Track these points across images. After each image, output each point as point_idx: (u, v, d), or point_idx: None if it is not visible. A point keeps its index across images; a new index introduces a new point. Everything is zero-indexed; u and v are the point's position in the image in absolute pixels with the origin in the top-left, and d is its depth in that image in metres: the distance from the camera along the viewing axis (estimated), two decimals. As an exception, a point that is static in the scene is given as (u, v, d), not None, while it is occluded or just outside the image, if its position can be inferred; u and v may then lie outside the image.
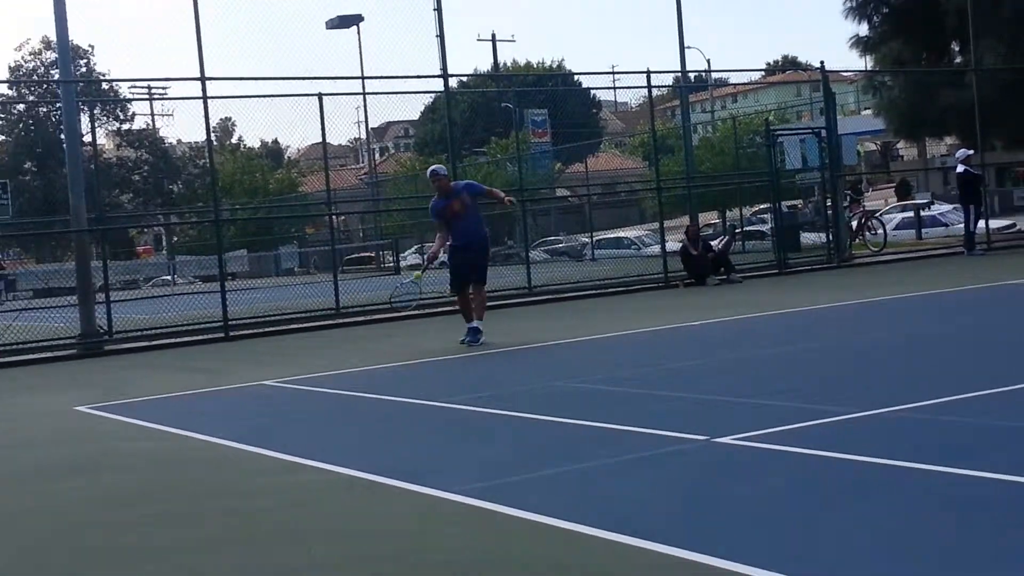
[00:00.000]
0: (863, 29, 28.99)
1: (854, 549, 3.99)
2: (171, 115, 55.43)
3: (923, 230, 28.76)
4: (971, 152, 22.33)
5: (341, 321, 17.18)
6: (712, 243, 20.78)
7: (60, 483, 6.58)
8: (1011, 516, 4.22)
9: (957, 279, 15.83)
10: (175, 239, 44.66)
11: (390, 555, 4.47)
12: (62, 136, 21.23)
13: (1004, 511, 4.31)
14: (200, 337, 16.02)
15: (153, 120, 56.82)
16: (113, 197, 46.56)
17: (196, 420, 8.60)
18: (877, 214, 26.86)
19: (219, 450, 7.18)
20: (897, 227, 29.75)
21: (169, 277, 37.15)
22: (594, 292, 19.40)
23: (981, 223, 22.34)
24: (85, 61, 51.68)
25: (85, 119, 22.41)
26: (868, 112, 40.58)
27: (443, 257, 12.96)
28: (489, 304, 17.91)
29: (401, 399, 8.81)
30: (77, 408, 9.66)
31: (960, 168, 21.57)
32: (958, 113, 25.16)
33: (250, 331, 16.45)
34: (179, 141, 56.25)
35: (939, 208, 30.76)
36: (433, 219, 12.71)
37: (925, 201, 32.02)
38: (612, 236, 35.76)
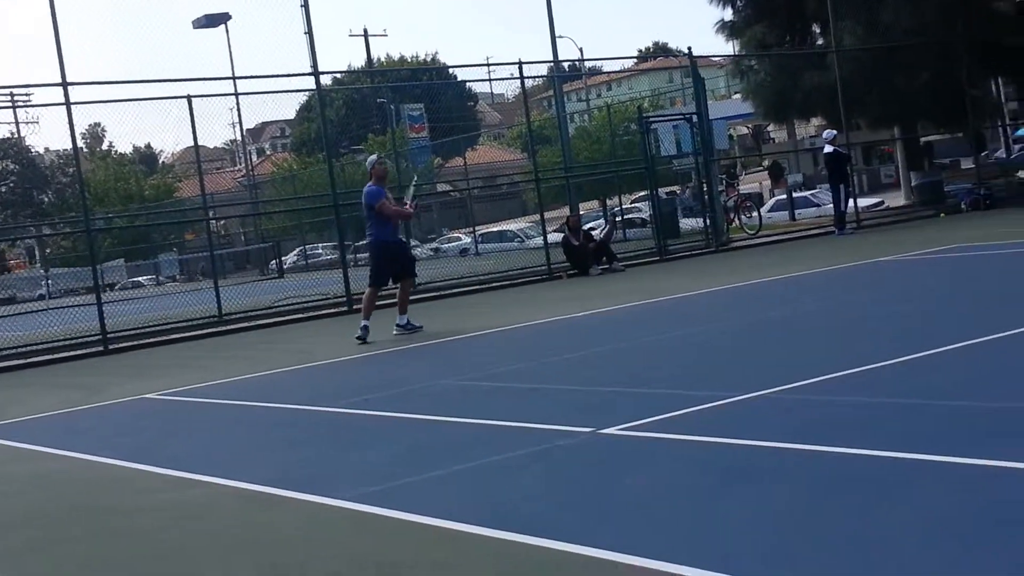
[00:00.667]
0: (728, 14, 29.56)
1: (745, 534, 4.08)
2: (36, 123, 53.87)
3: (796, 211, 29.51)
4: (836, 133, 22.94)
5: (224, 328, 16.94)
6: (593, 232, 21.00)
7: (-64, 513, 6.38)
8: (894, 492, 4.38)
9: (829, 259, 16.28)
10: (48, 251, 43.45)
11: (277, 566, 4.45)
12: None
13: (888, 488, 4.46)
14: (78, 352, 15.65)
15: (18, 128, 55.20)
16: (-22, 210, 45.13)
17: (77, 439, 8.41)
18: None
19: (102, 469, 7.04)
20: (771, 209, 30.48)
21: (43, 291, 36.14)
22: (479, 287, 19.46)
23: (851, 202, 22.98)
24: (-58, 71, 49.99)
25: (-56, 130, 21.61)
26: (738, 96, 41.32)
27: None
28: (377, 303, 17.91)
29: (288, 405, 8.73)
30: (-49, 433, 9.36)
31: (828, 148, 22.15)
32: (822, 94, 25.80)
33: (131, 343, 16.12)
34: (47, 149, 54.74)
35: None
36: (371, 203, 12.61)
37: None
38: (495, 230, 35.90)
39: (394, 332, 12.64)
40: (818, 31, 29.51)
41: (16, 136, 54.20)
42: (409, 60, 69.01)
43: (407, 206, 13.58)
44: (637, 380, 7.87)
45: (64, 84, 15.88)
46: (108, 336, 15.86)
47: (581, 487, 5.10)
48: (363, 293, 13.17)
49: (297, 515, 5.23)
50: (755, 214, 25.50)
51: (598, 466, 5.46)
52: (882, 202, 30.71)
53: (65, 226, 36.71)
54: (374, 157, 13.47)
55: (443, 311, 16.02)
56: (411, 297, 14.16)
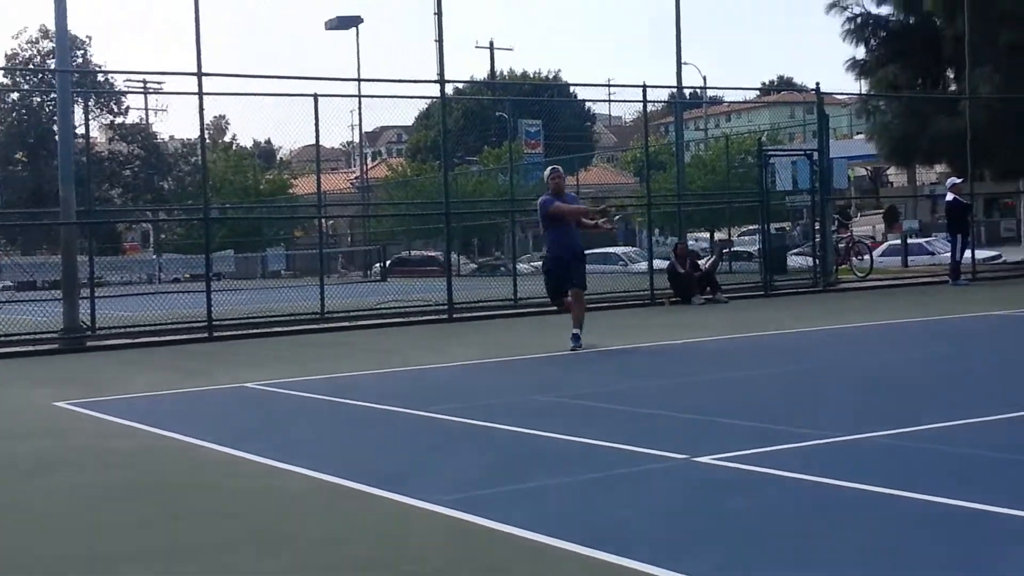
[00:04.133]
0: (860, 52, 29.14)
1: (828, 570, 4.00)
2: (165, 110, 55.20)
3: (909, 258, 28.88)
4: (960, 181, 22.42)
5: (326, 325, 17.15)
6: (700, 262, 20.82)
7: (37, 480, 6.57)
8: (983, 544, 4.24)
9: (939, 308, 15.91)
10: (163, 236, 44.53)
11: (364, 562, 4.48)
12: (55, 127, 21.16)
13: (976, 539, 4.33)
14: (184, 336, 15.97)
15: (147, 114, 56.63)
16: (103, 191, 46.41)
17: (177, 420, 8.58)
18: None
19: (199, 452, 7.16)
20: (883, 254, 29.87)
21: (154, 275, 37.08)
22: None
23: (968, 253, 22.43)
24: (82, 52, 51.47)
25: (79, 111, 22.27)
26: (860, 137, 40.65)
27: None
28: (477, 315, 17.99)
29: (384, 406, 8.80)
30: (57, 404, 9.62)
31: (949, 197, 21.67)
32: (950, 141, 25.25)
33: (234, 332, 16.41)
34: (172, 137, 56.06)
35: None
36: (542, 217, 12.31)
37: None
38: (600, 252, 35.79)
39: (569, 345, 12.11)
40: (952, 76, 28.91)
41: (145, 122, 55.62)
42: (532, 76, 69.44)
43: (602, 220, 12.93)
44: (734, 412, 7.76)
45: (199, 74, 16.17)
46: (214, 323, 16.16)
47: (671, 512, 5.05)
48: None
49: (386, 514, 5.26)
50: (866, 256, 25.02)
51: (689, 492, 5.40)
52: (1000, 255, 29.91)
53: (182, 213, 37.60)
54: (549, 170, 12.80)
55: (542, 327, 16.00)
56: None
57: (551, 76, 71.00)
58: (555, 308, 12.91)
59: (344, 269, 40.37)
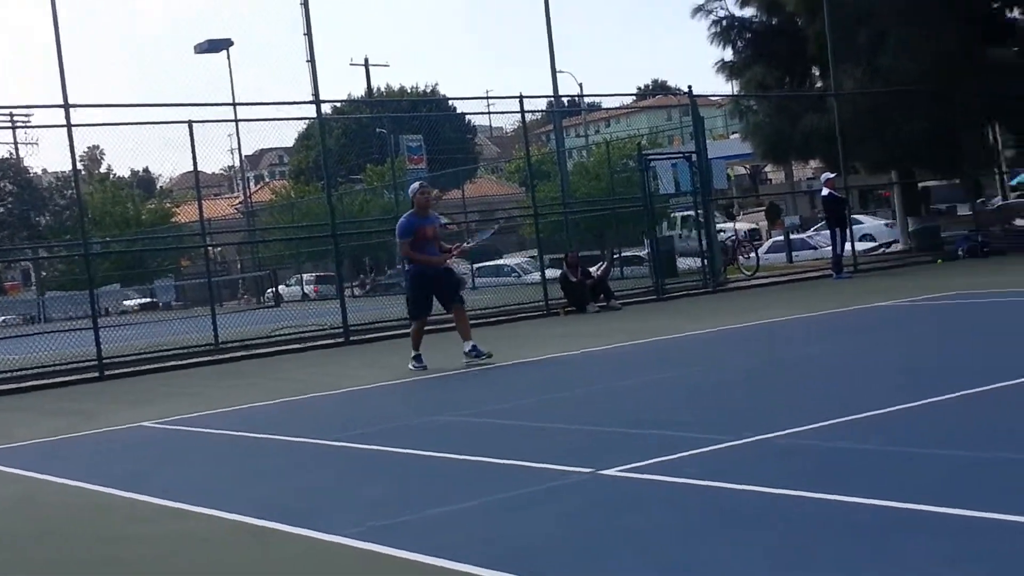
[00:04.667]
0: (728, 54, 29.71)
1: (738, 581, 4.09)
2: (36, 144, 53.82)
3: (793, 253, 29.58)
4: (834, 176, 23.05)
5: (221, 357, 16.91)
6: (591, 269, 21.04)
7: (-70, 539, 6.36)
8: (884, 541, 4.38)
9: (825, 303, 16.32)
10: (44, 274, 43.38)
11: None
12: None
13: (877, 536, 4.46)
14: (73, 377, 15.60)
15: (17, 149, 55.14)
16: (-24, 231, 45.07)
17: (70, 465, 8.37)
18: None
19: (95, 496, 7.01)
20: (768, 250, 30.56)
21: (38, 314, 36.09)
22: (476, 321, 19.38)
23: (847, 246, 23.05)
24: (-57, 89, 49.99)
25: (-56, 150, 21.67)
26: (736, 136, 41.52)
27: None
28: (369, 338, 17.92)
29: (283, 437, 8.72)
30: (-56, 456, 9.33)
31: (825, 191, 22.26)
32: (821, 137, 25.95)
33: (126, 370, 16.08)
34: (44, 171, 54.70)
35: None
36: (403, 237, 12.24)
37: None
38: (492, 264, 35.91)
39: (464, 361, 12.23)
40: (818, 74, 29.69)
41: (14, 157, 54.17)
42: (409, 91, 69.31)
43: (455, 247, 12.83)
44: (635, 421, 7.86)
45: (66, 105, 15.89)
46: (104, 362, 15.81)
47: (580, 528, 5.09)
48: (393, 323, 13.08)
49: (294, 549, 5.22)
50: (752, 255, 25.56)
51: (598, 507, 5.45)
52: (879, 246, 30.81)
53: (62, 249, 36.71)
54: (416, 184, 12.63)
55: (439, 345, 16.00)
56: (399, 332, 14.02)
57: (429, 90, 70.98)
58: (414, 326, 12.68)
59: (245, 295, 39.83)
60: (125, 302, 37.73)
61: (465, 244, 12.91)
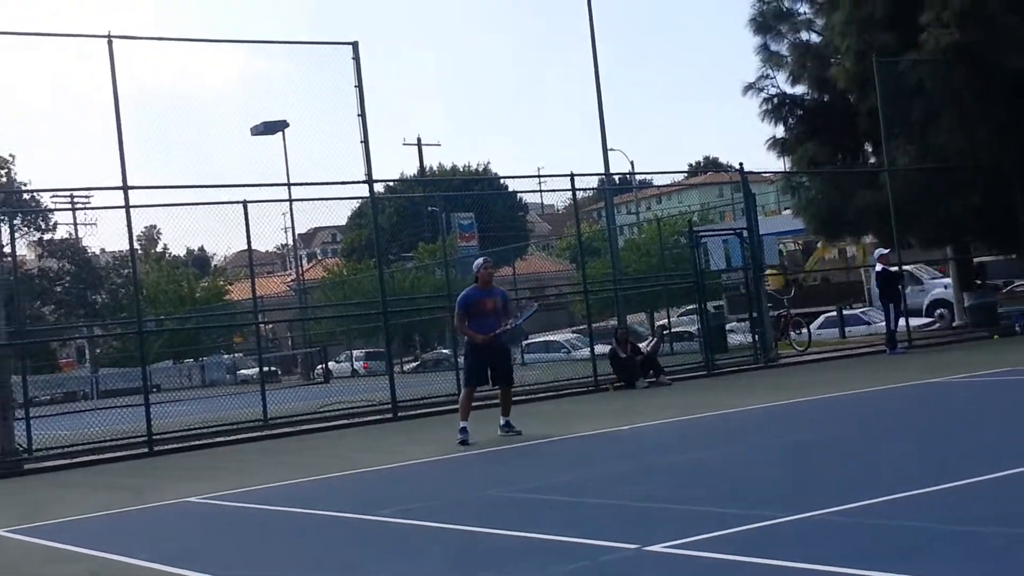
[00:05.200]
0: (780, 131, 29.70)
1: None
2: (94, 224, 54.84)
3: (846, 328, 29.27)
4: (887, 251, 22.87)
5: (269, 433, 16.94)
6: (640, 345, 20.94)
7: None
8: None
9: (878, 379, 16.08)
10: (98, 351, 43.91)
11: None
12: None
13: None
14: (124, 453, 15.69)
15: (76, 230, 56.13)
16: (34, 309, 45.79)
17: (121, 541, 8.38)
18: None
19: (145, 573, 7.00)
20: (821, 326, 30.26)
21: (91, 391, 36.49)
22: (525, 397, 19.33)
23: (902, 321, 22.77)
24: (5, 171, 51.14)
25: (5, 230, 22.08)
26: (788, 212, 41.37)
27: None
28: (417, 413, 17.90)
29: (331, 513, 8.68)
30: (-4, 531, 9.39)
31: (878, 267, 22.07)
32: (874, 213, 25.77)
33: (176, 446, 16.14)
34: (102, 251, 55.60)
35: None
36: (459, 308, 12.78)
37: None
38: (542, 340, 35.87)
39: (499, 433, 12.76)
40: (870, 150, 29.59)
41: (74, 237, 55.17)
42: (461, 170, 70.03)
43: (504, 325, 12.82)
44: (683, 497, 7.75)
45: (125, 187, 16.18)
46: (154, 438, 15.90)
47: (626, 607, 5.00)
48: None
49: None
50: (804, 331, 25.32)
51: (643, 585, 5.36)
52: (934, 322, 30.43)
53: (117, 327, 37.16)
54: (480, 260, 13.14)
55: (488, 421, 15.94)
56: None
57: (481, 169, 71.66)
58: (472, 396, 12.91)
59: (301, 370, 40.00)
60: (241, 371, 37.77)
61: (507, 324, 12.93)
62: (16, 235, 29.52)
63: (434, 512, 8.13)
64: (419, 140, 57.65)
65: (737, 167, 24.17)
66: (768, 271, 24.81)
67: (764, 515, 6.51)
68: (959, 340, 24.26)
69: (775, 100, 29.35)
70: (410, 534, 7.48)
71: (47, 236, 53.13)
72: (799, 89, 29.65)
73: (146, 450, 15.68)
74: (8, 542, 8.91)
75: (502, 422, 12.87)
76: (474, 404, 12.98)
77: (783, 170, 33.17)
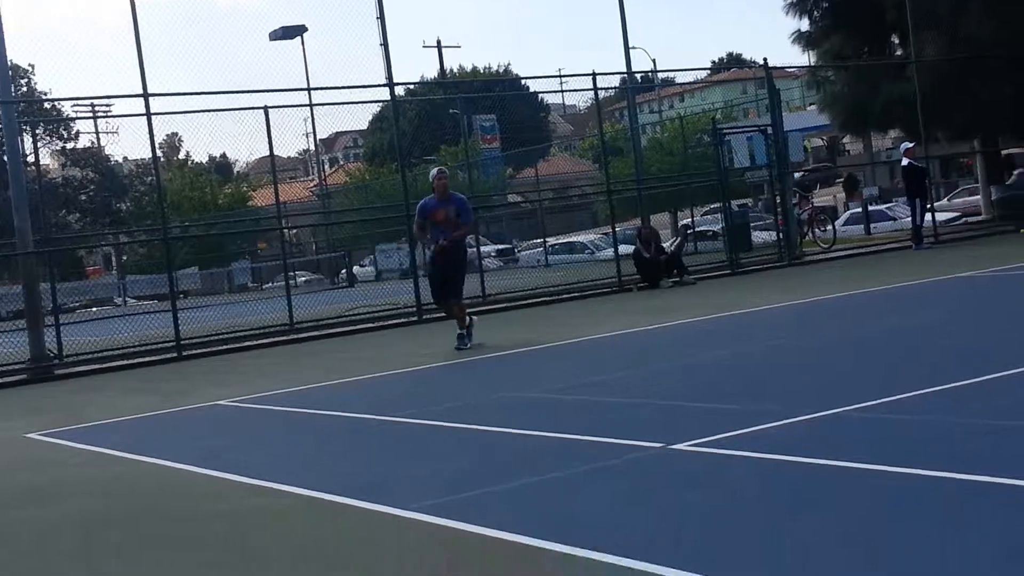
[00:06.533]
0: (804, 24, 29.18)
1: (813, 555, 4.01)
2: (116, 133, 54.74)
3: (872, 225, 29.06)
4: (913, 144, 22.56)
5: (295, 337, 17.06)
6: (664, 245, 20.87)
7: (13, 512, 6.50)
8: (965, 514, 4.27)
9: (904, 274, 16.00)
10: (124, 258, 44.18)
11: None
12: (4, 158, 20.94)
13: (959, 510, 4.35)
14: (153, 358, 15.87)
15: (98, 138, 56.12)
16: (60, 218, 46.00)
17: (151, 443, 8.50)
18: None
19: (175, 474, 7.11)
20: (846, 223, 30.05)
21: (118, 297, 36.77)
22: (549, 299, 19.39)
23: (928, 216, 22.57)
24: (26, 80, 50.95)
25: (28, 139, 22.08)
26: (813, 108, 40.84)
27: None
28: (441, 316, 17.93)
29: (357, 415, 8.77)
30: (28, 435, 9.54)
31: (904, 161, 21.82)
32: (901, 106, 25.37)
33: (204, 350, 16.30)
34: (125, 159, 55.59)
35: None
36: (418, 217, 12.81)
37: None
38: (565, 241, 35.83)
39: (454, 346, 12.56)
40: (897, 42, 29.04)
41: (96, 146, 55.16)
42: (482, 71, 69.34)
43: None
44: (708, 395, 7.78)
45: (145, 95, 16.14)
46: (182, 343, 16.06)
47: (649, 503, 5.04)
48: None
49: (365, 524, 5.24)
50: (829, 227, 25.15)
51: (667, 482, 5.40)
52: (960, 216, 30.16)
53: (142, 234, 37.32)
54: (435, 170, 13.06)
55: (513, 323, 16.02)
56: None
57: (501, 70, 70.91)
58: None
59: (320, 275, 40.09)
60: (302, 279, 37.72)
61: (441, 241, 12.56)
62: (39, 144, 29.57)
63: (455, 413, 8.20)
64: (439, 42, 57.10)
65: (761, 63, 23.80)
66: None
67: (788, 413, 6.53)
68: (986, 235, 24.06)
69: (800, -8, 28.77)
70: (434, 435, 7.55)
71: (69, 145, 53.16)
72: (825, -20, 29.03)
73: (175, 355, 15.85)
74: (38, 444, 9.07)
75: (460, 331, 12.54)
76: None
77: (808, 64, 32.67)
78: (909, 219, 22.79)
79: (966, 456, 5.17)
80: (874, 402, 6.60)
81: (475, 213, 25.38)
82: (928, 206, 22.55)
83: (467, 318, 12.71)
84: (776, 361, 9.32)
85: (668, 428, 6.59)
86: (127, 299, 37.01)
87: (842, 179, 36.66)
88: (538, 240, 35.58)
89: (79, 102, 56.88)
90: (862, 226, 29.11)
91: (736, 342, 11.04)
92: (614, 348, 11.66)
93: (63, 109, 51.63)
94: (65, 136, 53.03)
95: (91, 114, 49.64)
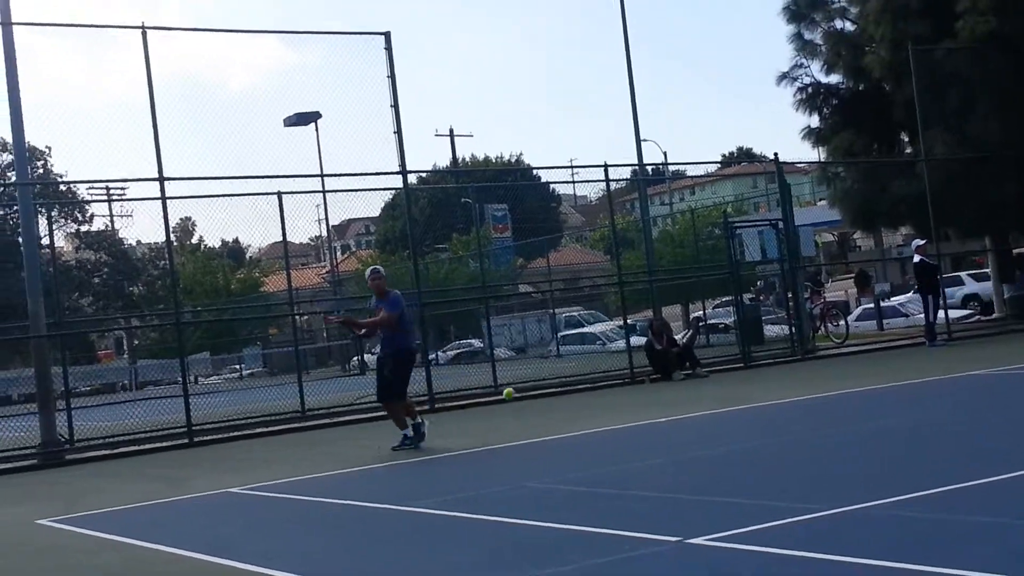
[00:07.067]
0: (814, 121, 29.47)
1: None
2: (130, 216, 55.26)
3: (884, 321, 29.03)
4: (925, 242, 22.66)
5: (307, 424, 17.03)
6: (676, 337, 20.87)
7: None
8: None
9: (918, 371, 15.96)
10: (136, 342, 44.26)
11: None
12: (19, 239, 21.12)
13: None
14: (164, 444, 15.82)
15: (112, 221, 56.63)
16: (72, 300, 46.22)
17: (161, 531, 8.46)
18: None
19: (185, 562, 7.06)
20: (859, 318, 30.03)
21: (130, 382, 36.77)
22: (561, 389, 19.34)
23: (941, 313, 22.56)
24: (42, 163, 51.51)
25: (43, 221, 22.29)
26: (823, 203, 41.11)
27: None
28: (457, 404, 17.93)
29: (369, 504, 8.73)
30: (38, 521, 9.49)
31: (916, 258, 21.88)
32: (911, 203, 25.52)
33: (215, 436, 16.26)
34: (139, 242, 56.03)
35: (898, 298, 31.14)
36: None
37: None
38: (577, 332, 35.83)
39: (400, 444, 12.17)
40: (906, 139, 29.32)
41: (110, 229, 55.61)
42: (494, 161, 70.02)
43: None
44: (723, 489, 7.73)
45: (160, 179, 16.28)
46: (193, 428, 16.02)
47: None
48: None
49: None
50: (842, 322, 25.16)
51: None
52: (974, 314, 30.15)
53: (154, 318, 37.46)
54: (368, 271, 13.04)
55: (525, 413, 15.97)
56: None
57: (513, 160, 71.61)
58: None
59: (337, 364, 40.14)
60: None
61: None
62: (53, 227, 29.82)
63: (469, 504, 8.16)
64: (451, 131, 57.80)
65: (771, 157, 24.02)
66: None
67: (804, 508, 6.49)
68: (999, 332, 24.03)
69: (809, 89, 29.14)
70: (448, 525, 7.50)
71: (84, 228, 53.59)
72: (834, 78, 29.41)
73: (186, 440, 15.81)
74: (49, 531, 9.01)
75: (406, 430, 12.15)
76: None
77: (818, 160, 32.94)
78: (922, 315, 22.78)
79: (975, 554, 5.12)
80: (887, 499, 6.55)
81: (486, 303, 25.50)
82: (939, 303, 22.53)
83: (416, 416, 12.32)
84: (790, 456, 9.27)
85: (684, 522, 6.54)
86: (136, 384, 37.00)
87: (853, 274, 36.75)
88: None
89: (94, 185, 57.34)
90: (875, 322, 29.08)
91: (750, 436, 10.99)
92: (627, 440, 11.62)
93: (78, 191, 52.14)
94: (80, 219, 53.49)
95: (106, 197, 50.11)
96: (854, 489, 7.05)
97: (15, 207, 16.23)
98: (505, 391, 13.86)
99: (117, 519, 9.41)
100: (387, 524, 7.89)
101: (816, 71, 29.29)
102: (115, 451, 15.51)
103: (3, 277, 49.00)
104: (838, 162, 29.06)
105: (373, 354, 39.31)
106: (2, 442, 15.96)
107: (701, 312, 30.44)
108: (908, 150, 29.05)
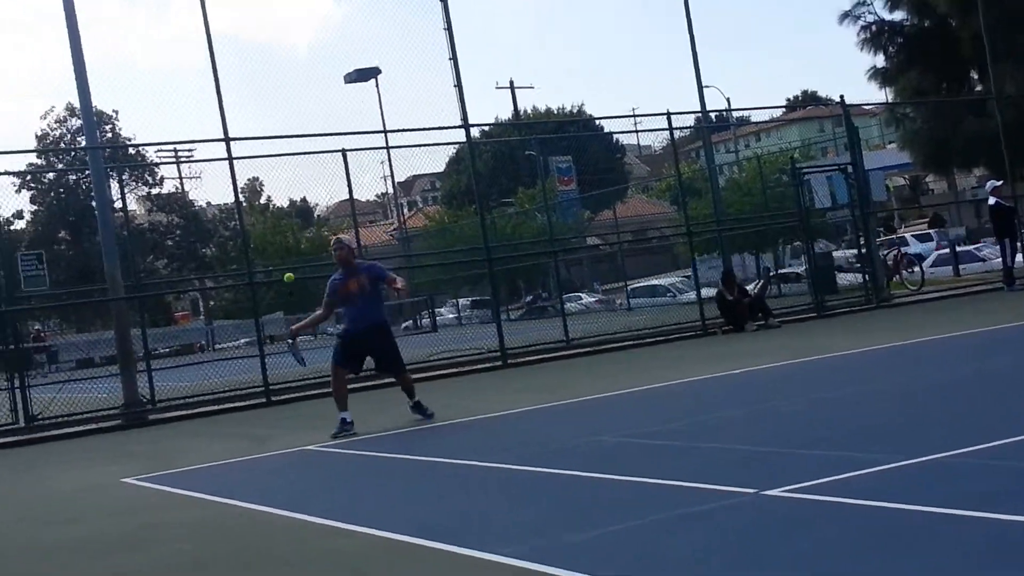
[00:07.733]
0: (880, 60, 28.94)
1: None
2: (199, 177, 55.93)
3: (960, 266, 28.53)
4: (1000, 183, 22.15)
5: (381, 382, 17.17)
6: (748, 287, 20.72)
7: (110, 558, 6.61)
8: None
9: (996, 317, 15.69)
10: (211, 303, 44.89)
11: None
12: (93, 204, 21.44)
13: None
14: (243, 403, 16.09)
15: (182, 183, 57.31)
16: (148, 263, 46.97)
17: (241, 488, 8.64)
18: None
19: (265, 517, 7.20)
20: (933, 264, 29.57)
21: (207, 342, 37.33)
22: (632, 343, 19.32)
23: (1019, 257, 22.13)
24: (110, 127, 52.16)
25: (115, 185, 22.62)
26: (893, 146, 40.38)
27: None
28: (528, 358, 17.99)
29: (444, 460, 8.81)
30: (124, 480, 9.72)
31: (991, 200, 21.42)
32: (983, 142, 24.97)
33: (292, 395, 16.50)
34: (208, 203, 56.66)
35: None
36: (326, 297, 11.60)
37: None
38: (646, 284, 35.68)
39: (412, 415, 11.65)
40: (976, 76, 28.66)
41: (180, 191, 56.29)
42: (556, 112, 69.53)
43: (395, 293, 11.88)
44: (799, 441, 7.70)
45: (226, 139, 16.45)
46: (271, 388, 16.26)
47: (745, 550, 5.00)
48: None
49: (453, 568, 5.26)
50: (917, 269, 24.77)
51: (762, 529, 5.35)
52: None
53: (228, 279, 37.96)
54: (333, 241, 12.04)
55: (597, 368, 16.00)
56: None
57: (575, 111, 71.05)
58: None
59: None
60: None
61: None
62: (125, 190, 30.24)
63: (543, 458, 8.21)
64: (512, 83, 57.48)
65: (837, 100, 23.63)
66: None
67: (884, 458, 6.44)
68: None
69: (873, 28, 28.56)
70: (522, 479, 7.56)
71: (155, 191, 54.32)
72: (898, 15, 28.80)
73: (264, 400, 16.06)
74: (134, 489, 9.24)
75: (409, 404, 11.60)
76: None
77: (886, 101, 32.36)
78: (999, 260, 22.35)
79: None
80: (973, 448, 6.49)
81: (555, 257, 25.48)
82: (1019, 245, 22.08)
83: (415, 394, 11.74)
84: (868, 406, 9.20)
85: (760, 474, 6.54)
86: (213, 344, 37.55)
87: (927, 219, 36.15)
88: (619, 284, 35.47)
89: (162, 147, 57.95)
90: (951, 267, 28.61)
91: (826, 386, 10.92)
92: (700, 392, 11.60)
93: (147, 154, 52.83)
94: (150, 182, 54.19)
95: (174, 159, 50.68)
96: (932, 438, 6.99)
97: (87, 172, 16.50)
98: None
99: (198, 476, 9.62)
100: (458, 478, 7.98)
101: (879, 8, 28.73)
102: (195, 411, 15.81)
103: (81, 241, 49.96)
104: (906, 102, 28.53)
105: (444, 309, 39.52)
106: (87, 403, 16.32)
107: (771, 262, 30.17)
108: (978, 88, 28.39)
